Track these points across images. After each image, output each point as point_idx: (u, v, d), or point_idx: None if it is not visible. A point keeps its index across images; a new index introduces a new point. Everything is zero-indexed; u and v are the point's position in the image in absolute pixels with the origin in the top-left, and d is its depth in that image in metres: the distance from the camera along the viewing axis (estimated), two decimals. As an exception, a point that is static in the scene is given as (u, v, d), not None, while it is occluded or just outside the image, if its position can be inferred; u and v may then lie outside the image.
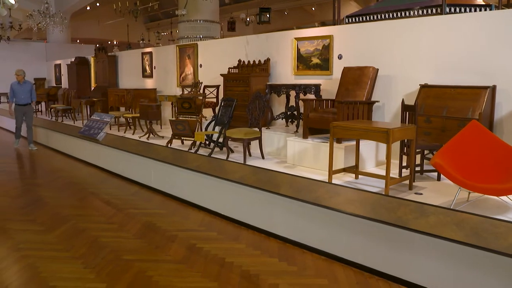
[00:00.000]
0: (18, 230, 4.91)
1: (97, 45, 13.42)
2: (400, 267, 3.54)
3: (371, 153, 5.62)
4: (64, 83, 16.78)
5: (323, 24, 23.53)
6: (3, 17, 13.55)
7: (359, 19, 7.45)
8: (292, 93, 6.97)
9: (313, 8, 22.24)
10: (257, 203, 4.75)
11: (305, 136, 5.89)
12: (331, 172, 4.72)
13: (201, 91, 8.58)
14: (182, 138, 7.26)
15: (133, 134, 8.63)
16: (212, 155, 6.04)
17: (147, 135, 8.16)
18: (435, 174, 5.03)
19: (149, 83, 11.72)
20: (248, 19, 17.47)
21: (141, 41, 18.20)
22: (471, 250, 3.11)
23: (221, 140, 6.54)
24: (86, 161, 8.68)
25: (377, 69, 6.07)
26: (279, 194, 4.41)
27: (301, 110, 6.62)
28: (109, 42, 27.25)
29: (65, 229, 4.91)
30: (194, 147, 6.70)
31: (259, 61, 7.96)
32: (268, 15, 13.76)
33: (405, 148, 4.97)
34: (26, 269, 3.86)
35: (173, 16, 22.64)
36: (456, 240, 3.14)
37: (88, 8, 21.43)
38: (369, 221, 3.64)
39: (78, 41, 26.09)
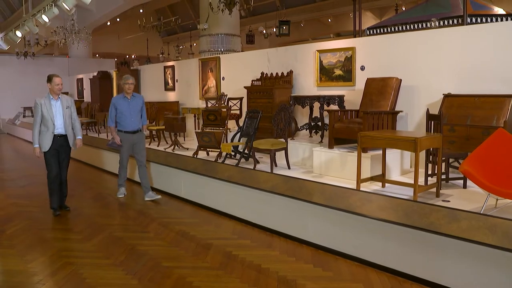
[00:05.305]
0: (58, 239, 5.13)
1: (116, 59, 13.75)
2: (433, 271, 3.64)
3: (396, 162, 5.74)
4: (87, 97, 17.20)
5: (338, 35, 23.72)
6: (30, 34, 14.00)
7: (380, 30, 7.62)
8: (316, 105, 7.13)
9: (329, 20, 22.44)
10: (290, 212, 4.89)
11: (330, 146, 6.04)
12: (359, 181, 4.87)
13: (225, 103, 8.79)
14: (208, 149, 7.45)
15: (158, 146, 8.88)
16: (239, 166, 6.22)
17: (173, 147, 8.38)
18: (461, 182, 5.13)
19: (171, 96, 11.99)
20: (264, 32, 17.75)
21: (161, 55, 18.60)
22: (504, 254, 3.21)
23: (246, 151, 6.72)
24: (114, 173, 8.90)
25: (400, 80, 6.20)
26: (311, 202, 4.56)
27: (325, 121, 6.79)
28: (128, 56, 27.76)
29: (103, 237, 5.10)
30: (220, 158, 6.88)
31: (282, 73, 8.16)
32: (285, 28, 14.00)
33: (431, 156, 5.10)
34: (72, 275, 4.05)
35: (191, 30, 23.07)
36: (489, 244, 3.26)
37: (108, 23, 21.97)
38: (402, 227, 3.77)
39: (97, 55, 26.68)
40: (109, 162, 9.16)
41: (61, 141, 5.94)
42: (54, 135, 5.86)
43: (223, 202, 5.96)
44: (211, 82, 10.36)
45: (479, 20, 6.83)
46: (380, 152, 5.26)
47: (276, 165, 6.33)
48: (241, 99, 8.80)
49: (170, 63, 12.31)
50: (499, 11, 7.72)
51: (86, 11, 18.94)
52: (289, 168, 6.31)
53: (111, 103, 6.69)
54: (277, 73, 8.25)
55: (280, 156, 6.46)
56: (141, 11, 22.23)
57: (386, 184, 5.14)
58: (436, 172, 4.81)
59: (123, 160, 6.86)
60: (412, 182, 4.47)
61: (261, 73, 8.56)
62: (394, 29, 7.59)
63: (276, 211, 5.10)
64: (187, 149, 8.23)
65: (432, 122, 5.10)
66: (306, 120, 7.53)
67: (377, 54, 6.80)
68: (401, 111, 6.14)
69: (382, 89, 6.23)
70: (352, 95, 7.03)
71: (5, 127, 19.67)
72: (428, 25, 7.27)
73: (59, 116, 5.89)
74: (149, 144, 9.11)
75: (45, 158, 5.93)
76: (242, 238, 5.01)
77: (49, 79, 5.86)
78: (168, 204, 6.58)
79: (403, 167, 5.86)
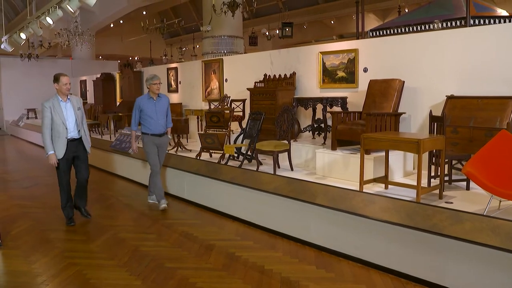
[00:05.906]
0: (62, 240, 5.16)
1: (119, 61, 13.79)
2: (436, 273, 3.65)
3: (399, 164, 5.74)
4: (90, 99, 17.23)
5: (341, 37, 23.73)
6: (34, 36, 14.06)
7: (383, 32, 7.62)
8: (319, 106, 7.13)
9: (332, 22, 22.45)
10: (293, 213, 4.90)
11: (333, 148, 6.04)
12: (362, 182, 4.86)
13: (228, 105, 8.81)
14: (211, 151, 7.45)
15: (161, 147, 8.87)
16: (242, 167, 6.23)
17: (176, 148, 8.38)
18: (464, 183, 5.12)
19: (174, 98, 12.01)
20: (267, 33, 17.79)
21: (164, 57, 18.65)
22: (506, 255, 3.22)
23: (249, 152, 6.72)
24: (117, 174, 8.94)
25: (403, 81, 6.20)
26: (314, 203, 4.57)
27: (328, 123, 6.79)
28: (131, 58, 27.86)
29: (106, 238, 5.13)
30: (223, 160, 6.89)
31: (285, 75, 8.16)
32: (288, 29, 14.01)
33: (434, 158, 5.09)
34: (76, 276, 4.08)
35: (194, 32, 23.13)
36: (492, 245, 3.26)
37: (111, 25, 22.05)
38: (405, 228, 3.78)
39: (100, 57, 26.77)
40: (112, 163, 9.20)
41: (75, 146, 5.50)
42: (67, 139, 5.42)
43: (226, 204, 5.97)
44: (214, 84, 10.38)
45: (482, 22, 6.82)
46: (383, 153, 5.26)
47: (279, 167, 6.33)
48: (244, 101, 8.80)
49: (173, 65, 12.34)
50: (502, 12, 7.71)
51: (89, 13, 19.03)
52: (292, 169, 6.31)
53: (135, 104, 6.19)
54: (280, 75, 8.26)
55: (283, 158, 6.46)
56: (144, 13, 22.32)
57: (389, 186, 5.13)
58: (439, 173, 4.80)
59: (154, 164, 6.28)
60: (415, 183, 4.46)
61: (264, 75, 8.57)
62: (397, 31, 7.58)
63: (279, 213, 5.11)
64: (190, 150, 8.23)
65: (435, 124, 5.10)
66: (309, 121, 7.54)
67: (380, 56, 6.80)
68: (404, 113, 6.14)
69: (385, 91, 6.23)
70: (355, 96, 7.02)
71: (9, 129, 19.76)
72: (431, 27, 7.27)
73: (71, 118, 5.42)
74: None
75: (57, 166, 5.51)
76: (245, 239, 5.03)
77: (56, 78, 5.35)
78: (171, 205, 6.60)
79: (406, 168, 5.85)
